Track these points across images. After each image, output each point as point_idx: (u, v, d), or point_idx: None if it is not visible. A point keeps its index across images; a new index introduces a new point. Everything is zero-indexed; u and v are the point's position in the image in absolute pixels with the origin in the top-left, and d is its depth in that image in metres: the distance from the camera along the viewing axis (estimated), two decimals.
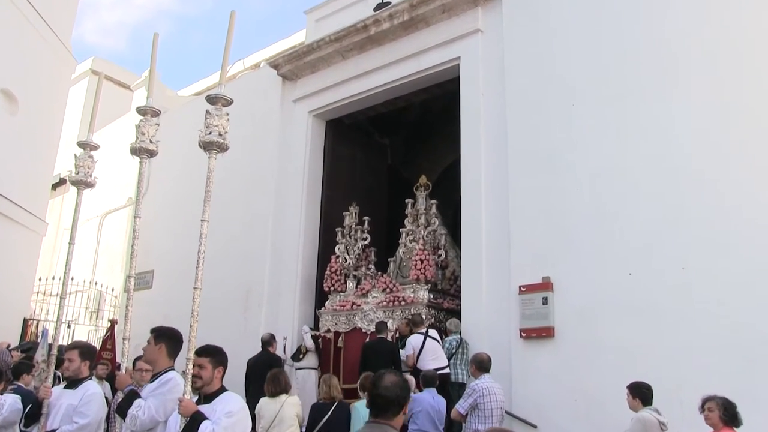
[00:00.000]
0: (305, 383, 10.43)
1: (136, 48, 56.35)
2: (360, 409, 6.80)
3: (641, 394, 6.06)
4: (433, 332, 9.16)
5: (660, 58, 8.50)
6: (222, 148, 4.06)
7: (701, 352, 7.20)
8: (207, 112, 4.08)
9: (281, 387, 6.80)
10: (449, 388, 8.81)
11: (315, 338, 10.94)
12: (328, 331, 11.03)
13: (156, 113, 5.01)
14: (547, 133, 9.22)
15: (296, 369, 10.65)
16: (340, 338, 10.82)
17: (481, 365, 7.21)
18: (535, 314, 8.59)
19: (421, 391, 7.65)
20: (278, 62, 13.34)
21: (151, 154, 5.00)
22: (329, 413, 6.87)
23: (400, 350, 9.39)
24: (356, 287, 11.27)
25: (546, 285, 8.60)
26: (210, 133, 4.03)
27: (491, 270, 9.31)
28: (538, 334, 8.53)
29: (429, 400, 7.37)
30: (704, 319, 7.31)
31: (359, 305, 10.85)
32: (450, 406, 7.66)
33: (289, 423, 6.56)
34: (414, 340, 9.10)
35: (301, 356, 10.78)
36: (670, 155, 8.07)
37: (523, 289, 8.79)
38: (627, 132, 8.48)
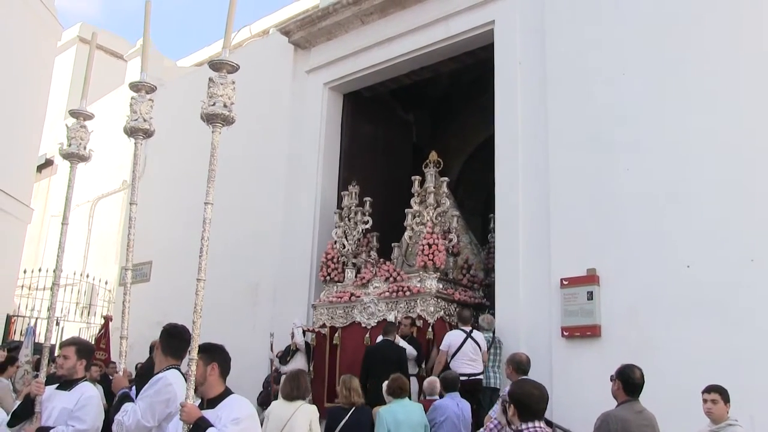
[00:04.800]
0: None
1: (108, 10, 56.13)
2: (385, 416, 6.79)
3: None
4: (477, 334, 9.07)
5: (728, 17, 8.31)
6: (227, 120, 4.03)
7: None
8: (210, 80, 4.04)
9: (300, 391, 6.62)
10: (479, 395, 8.81)
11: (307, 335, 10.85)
12: (323, 326, 10.94)
13: (151, 89, 5.00)
14: (593, 106, 9.13)
15: (282, 373, 10.20)
16: (336, 334, 10.77)
17: (519, 367, 7.11)
18: (579, 311, 8.55)
19: (442, 396, 7.61)
20: (289, 28, 13.35)
21: (147, 134, 5.01)
22: (346, 418, 6.86)
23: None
24: (355, 276, 11.16)
25: (591, 278, 8.55)
26: (214, 103, 3.99)
27: (529, 260, 9.27)
28: (582, 333, 8.50)
29: (453, 407, 7.34)
30: None
31: (359, 296, 10.74)
32: (481, 414, 7.63)
33: None
34: (453, 338, 9.03)
35: (288, 358, 10.61)
36: (737, 130, 7.93)
37: (565, 283, 8.75)
38: (686, 105, 8.36)
